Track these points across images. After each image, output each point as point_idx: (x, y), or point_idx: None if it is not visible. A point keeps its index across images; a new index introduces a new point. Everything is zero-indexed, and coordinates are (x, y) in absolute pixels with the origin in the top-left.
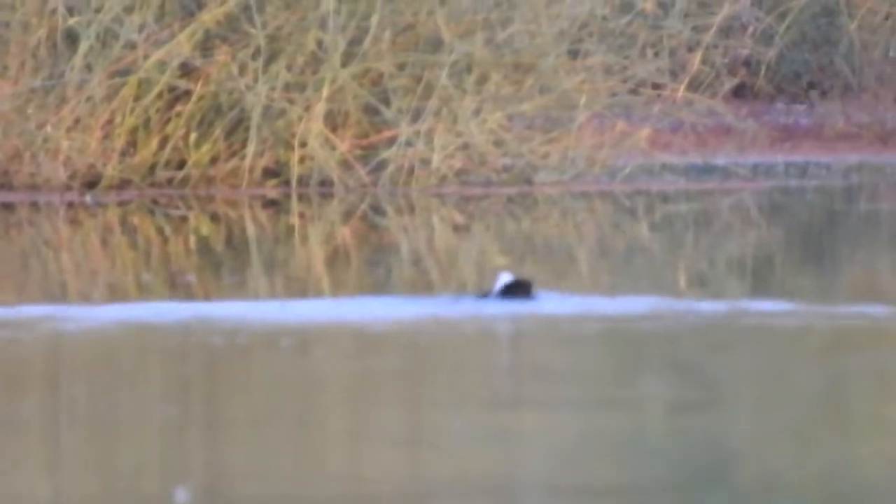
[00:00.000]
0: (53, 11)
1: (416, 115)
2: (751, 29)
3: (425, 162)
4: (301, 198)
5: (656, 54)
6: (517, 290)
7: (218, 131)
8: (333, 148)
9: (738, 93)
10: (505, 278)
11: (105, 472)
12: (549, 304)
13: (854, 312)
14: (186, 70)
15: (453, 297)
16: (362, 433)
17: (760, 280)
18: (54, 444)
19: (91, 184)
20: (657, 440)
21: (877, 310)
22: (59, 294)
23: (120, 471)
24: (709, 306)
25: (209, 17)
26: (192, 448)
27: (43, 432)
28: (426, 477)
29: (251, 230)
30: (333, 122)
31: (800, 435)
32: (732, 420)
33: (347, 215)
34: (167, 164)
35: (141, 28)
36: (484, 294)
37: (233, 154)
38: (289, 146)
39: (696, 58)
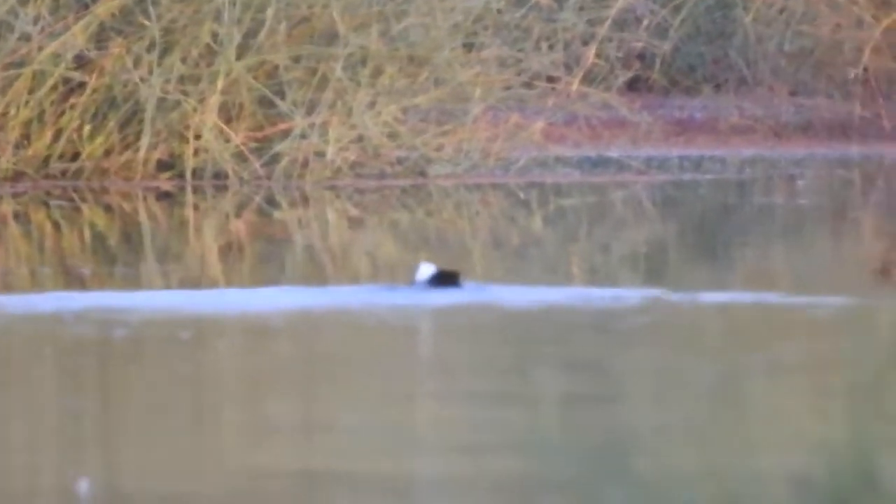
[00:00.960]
0: None
1: (311, 108)
2: (645, 22)
3: (320, 154)
4: (195, 190)
5: (551, 47)
6: (445, 280)
7: (112, 123)
8: (228, 140)
9: (633, 86)
10: (426, 269)
11: None
12: (448, 295)
13: (747, 304)
14: (81, 62)
15: (377, 287)
16: (258, 426)
17: (654, 272)
18: None
19: None
20: (554, 434)
21: (770, 300)
22: None
23: (13, 465)
24: (603, 299)
25: (103, 9)
26: (88, 442)
27: None
28: (321, 470)
29: (145, 222)
30: (228, 114)
31: (696, 428)
32: (629, 413)
33: (242, 208)
34: (61, 156)
35: (35, 20)
36: (410, 284)
37: (127, 146)
38: (183, 138)
39: (591, 51)
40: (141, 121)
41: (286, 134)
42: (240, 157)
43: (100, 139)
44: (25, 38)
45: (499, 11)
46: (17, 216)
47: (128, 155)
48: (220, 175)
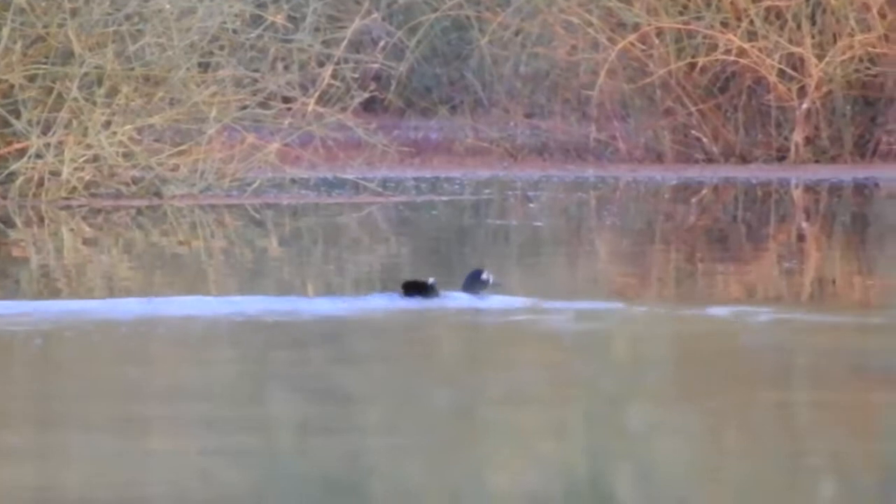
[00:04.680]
0: None
1: (47, 127)
2: (382, 43)
3: (55, 174)
4: None
5: (286, 68)
6: (416, 289)
7: None
8: None
9: (369, 107)
10: (485, 276)
11: None
12: (172, 306)
13: (482, 321)
14: None
15: (366, 295)
16: None
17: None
18: None
19: None
20: (287, 458)
21: (505, 317)
22: None
23: None
24: (335, 317)
25: None
26: None
27: None
28: (53, 498)
29: None
30: None
31: (431, 450)
32: (364, 437)
33: None
34: None
35: None
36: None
37: None
38: None
39: (327, 72)
40: None
41: (21, 153)
42: None
43: None
44: None
45: (234, 31)
46: None
47: None
48: None
